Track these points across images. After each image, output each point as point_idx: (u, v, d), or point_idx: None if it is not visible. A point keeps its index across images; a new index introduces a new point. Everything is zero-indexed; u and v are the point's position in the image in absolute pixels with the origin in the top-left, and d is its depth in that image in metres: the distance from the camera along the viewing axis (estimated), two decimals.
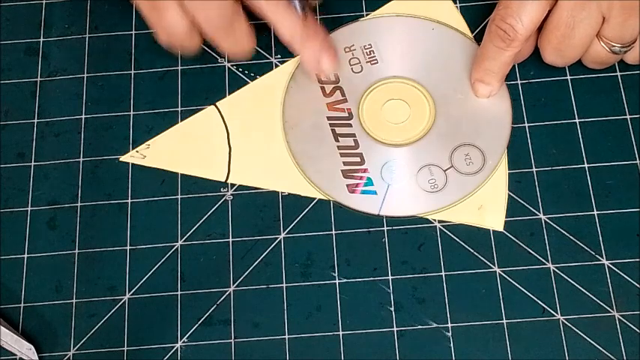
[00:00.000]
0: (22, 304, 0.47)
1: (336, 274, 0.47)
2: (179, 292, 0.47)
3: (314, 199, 0.48)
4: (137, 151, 0.50)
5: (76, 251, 0.48)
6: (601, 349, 0.44)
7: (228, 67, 0.52)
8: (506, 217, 0.47)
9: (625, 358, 0.44)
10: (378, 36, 0.52)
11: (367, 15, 0.53)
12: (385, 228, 0.47)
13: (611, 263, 0.46)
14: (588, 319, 0.45)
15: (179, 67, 0.52)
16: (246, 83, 0.51)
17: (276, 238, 0.48)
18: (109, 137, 0.50)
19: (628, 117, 0.49)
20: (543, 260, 0.46)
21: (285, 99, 0.51)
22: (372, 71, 0.51)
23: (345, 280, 0.46)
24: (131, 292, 0.47)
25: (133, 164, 0.50)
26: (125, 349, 0.46)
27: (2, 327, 0.45)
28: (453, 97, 0.50)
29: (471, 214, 0.47)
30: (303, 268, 0.47)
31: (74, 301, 0.47)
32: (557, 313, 0.45)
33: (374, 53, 0.51)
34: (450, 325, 0.45)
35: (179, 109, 0.51)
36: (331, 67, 0.49)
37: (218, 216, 0.48)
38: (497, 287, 0.46)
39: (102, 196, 0.49)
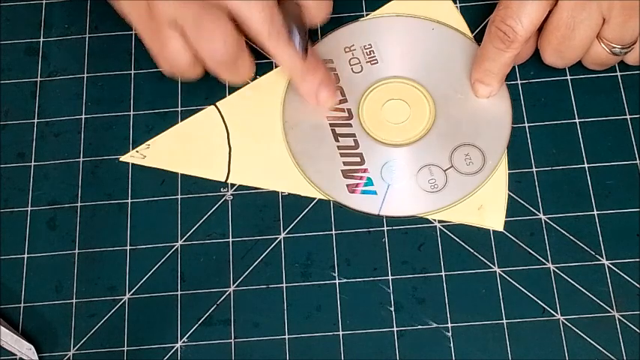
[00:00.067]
0: (22, 304, 0.47)
1: (336, 274, 0.47)
2: (179, 292, 0.47)
3: (314, 199, 0.48)
4: (137, 151, 0.50)
5: (76, 251, 0.48)
6: (601, 349, 0.44)
7: None
8: (506, 217, 0.47)
9: (625, 358, 0.44)
10: (378, 36, 0.52)
11: (367, 15, 0.53)
12: (385, 228, 0.47)
13: (611, 263, 0.46)
14: (588, 319, 0.45)
15: None
16: (246, 83, 0.51)
17: (276, 238, 0.48)
18: (109, 137, 0.50)
19: (628, 117, 0.49)
20: (543, 260, 0.46)
21: (285, 99, 0.51)
22: (372, 71, 0.51)
23: (345, 280, 0.46)
24: (131, 292, 0.47)
25: (133, 164, 0.50)
26: (125, 349, 0.46)
27: (2, 327, 0.45)
28: (453, 97, 0.50)
29: (471, 214, 0.47)
30: (303, 268, 0.47)
31: (74, 301, 0.47)
32: (557, 313, 0.45)
33: (374, 53, 0.51)
34: (450, 325, 0.45)
35: (179, 109, 0.51)
36: (329, 101, 0.49)
37: (218, 216, 0.48)
38: (497, 287, 0.46)
39: (102, 196, 0.49)
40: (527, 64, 0.50)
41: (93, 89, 0.52)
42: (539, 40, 0.48)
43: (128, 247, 0.48)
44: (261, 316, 0.46)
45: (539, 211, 0.47)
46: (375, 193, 0.48)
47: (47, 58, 0.53)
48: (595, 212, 0.47)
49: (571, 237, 0.47)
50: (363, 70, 0.51)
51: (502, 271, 0.46)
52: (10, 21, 0.54)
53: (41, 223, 0.48)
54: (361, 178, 0.48)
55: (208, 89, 0.51)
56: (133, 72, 0.52)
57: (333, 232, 0.47)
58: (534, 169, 0.48)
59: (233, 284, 0.47)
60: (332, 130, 0.49)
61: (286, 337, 0.45)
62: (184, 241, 0.48)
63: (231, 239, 0.48)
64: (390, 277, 0.46)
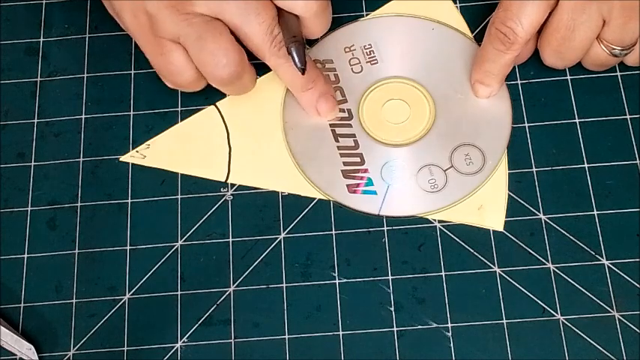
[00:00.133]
0: (22, 304, 0.47)
1: (336, 274, 0.47)
2: (179, 292, 0.47)
3: (314, 199, 0.48)
4: (137, 151, 0.50)
5: (76, 251, 0.48)
6: (601, 349, 0.44)
7: None
8: (506, 217, 0.47)
9: (625, 358, 0.44)
10: (378, 36, 0.52)
11: (367, 15, 0.53)
12: (385, 228, 0.47)
13: (611, 263, 0.46)
14: (588, 319, 0.45)
15: None
16: None
17: (276, 238, 0.48)
18: (109, 137, 0.50)
19: (628, 117, 0.49)
20: (543, 260, 0.46)
21: (285, 99, 0.51)
22: (372, 71, 0.51)
23: (345, 280, 0.46)
24: (131, 292, 0.47)
25: (133, 164, 0.50)
26: (125, 349, 0.46)
27: (2, 327, 0.45)
28: (453, 97, 0.50)
29: (471, 214, 0.47)
30: (303, 268, 0.47)
31: (74, 301, 0.47)
32: (557, 313, 0.45)
33: (374, 53, 0.51)
34: (450, 325, 0.45)
35: (179, 109, 0.51)
36: (329, 113, 0.49)
37: (218, 216, 0.48)
38: (497, 287, 0.46)
39: (102, 196, 0.49)
40: (527, 64, 0.50)
41: (93, 89, 0.52)
42: (539, 41, 0.48)
43: (128, 247, 0.48)
44: (261, 316, 0.46)
45: (539, 211, 0.47)
46: (375, 193, 0.48)
47: (47, 58, 0.53)
48: (595, 212, 0.47)
49: (571, 237, 0.47)
50: (363, 70, 0.51)
51: (502, 271, 0.46)
52: (10, 21, 0.54)
53: (41, 223, 0.48)
54: (361, 178, 0.48)
55: (208, 89, 0.51)
56: (133, 72, 0.52)
57: (333, 232, 0.47)
58: (534, 169, 0.48)
59: (233, 284, 0.47)
60: (332, 130, 0.49)
61: (286, 337, 0.45)
62: (184, 241, 0.48)
63: (231, 239, 0.48)
64: (390, 277, 0.46)
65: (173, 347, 0.46)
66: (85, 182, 0.49)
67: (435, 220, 0.47)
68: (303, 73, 0.45)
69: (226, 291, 0.47)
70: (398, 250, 0.47)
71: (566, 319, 0.45)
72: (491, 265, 0.46)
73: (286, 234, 0.48)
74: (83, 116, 0.51)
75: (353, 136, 0.49)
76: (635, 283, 0.45)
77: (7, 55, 0.53)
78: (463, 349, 0.45)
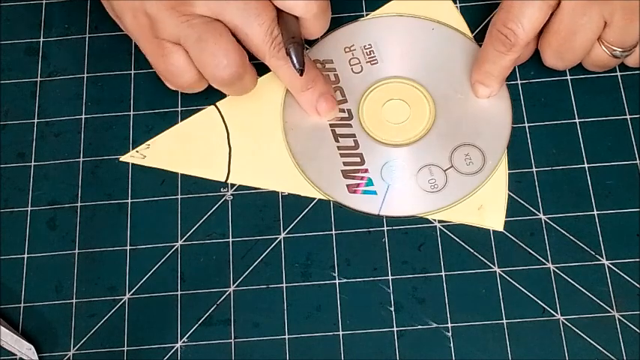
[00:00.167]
0: (22, 304, 0.47)
1: (336, 274, 0.47)
2: (179, 292, 0.47)
3: (314, 199, 0.48)
4: (137, 151, 0.50)
5: (76, 251, 0.48)
6: (601, 349, 0.44)
7: None
8: (506, 217, 0.47)
9: (625, 358, 0.44)
10: (378, 36, 0.52)
11: (367, 15, 0.53)
12: (385, 228, 0.47)
13: (611, 263, 0.46)
14: (588, 319, 0.45)
15: None
16: None
17: (276, 238, 0.48)
18: (109, 137, 0.50)
19: (628, 117, 0.49)
20: (543, 260, 0.46)
21: (285, 99, 0.51)
22: (372, 71, 0.51)
23: (345, 280, 0.46)
24: (131, 292, 0.47)
25: (133, 164, 0.50)
26: (125, 349, 0.46)
27: (2, 327, 0.45)
28: (453, 97, 0.50)
29: (471, 214, 0.47)
30: (303, 268, 0.47)
31: (74, 301, 0.47)
32: (557, 313, 0.45)
33: (374, 53, 0.51)
34: (450, 325, 0.45)
35: (179, 109, 0.51)
36: (329, 113, 0.49)
37: (218, 216, 0.48)
38: (497, 287, 0.46)
39: (102, 196, 0.49)
40: (527, 64, 0.50)
41: (93, 89, 0.52)
42: (539, 42, 0.48)
43: (128, 247, 0.48)
44: (261, 316, 0.46)
45: (539, 211, 0.47)
46: (375, 193, 0.48)
47: (47, 58, 0.53)
48: (595, 212, 0.47)
49: (571, 237, 0.47)
50: (363, 70, 0.51)
51: (502, 271, 0.46)
52: (10, 21, 0.54)
53: (41, 223, 0.48)
54: (361, 178, 0.48)
55: (208, 89, 0.51)
56: (133, 72, 0.52)
57: (333, 232, 0.47)
58: (534, 169, 0.48)
59: (233, 284, 0.47)
60: (332, 130, 0.49)
61: (286, 337, 0.45)
62: (184, 241, 0.48)
63: (231, 239, 0.48)
64: (390, 277, 0.46)
65: (173, 347, 0.46)
66: (85, 182, 0.49)
67: (435, 220, 0.47)
68: (301, 74, 0.45)
69: (226, 291, 0.47)
70: (398, 250, 0.47)
71: (566, 319, 0.45)
72: (491, 265, 0.46)
73: (286, 234, 0.48)
74: (83, 116, 0.51)
75: (353, 136, 0.49)
76: (635, 283, 0.45)
77: (7, 55, 0.53)
78: (463, 349, 0.45)
